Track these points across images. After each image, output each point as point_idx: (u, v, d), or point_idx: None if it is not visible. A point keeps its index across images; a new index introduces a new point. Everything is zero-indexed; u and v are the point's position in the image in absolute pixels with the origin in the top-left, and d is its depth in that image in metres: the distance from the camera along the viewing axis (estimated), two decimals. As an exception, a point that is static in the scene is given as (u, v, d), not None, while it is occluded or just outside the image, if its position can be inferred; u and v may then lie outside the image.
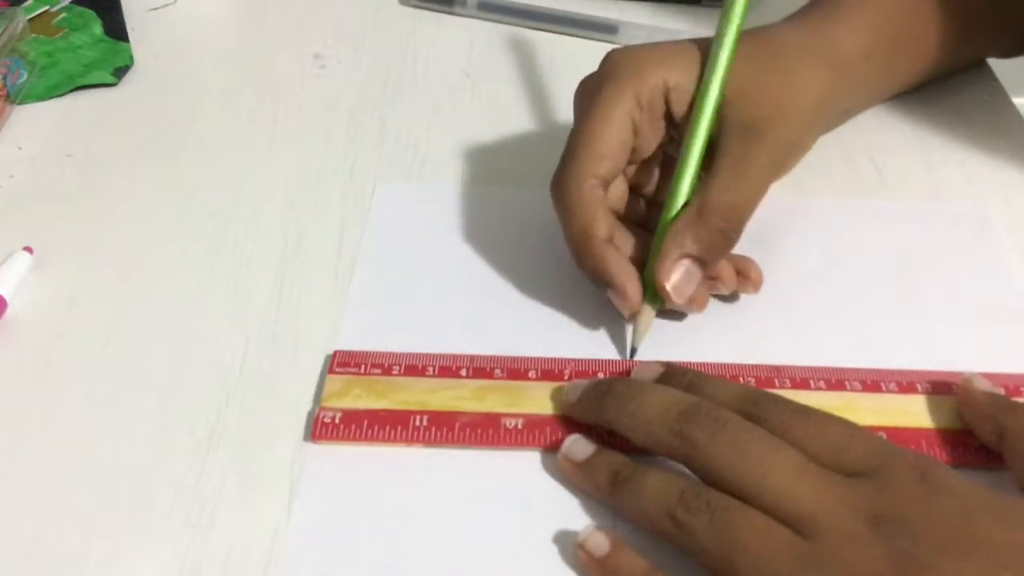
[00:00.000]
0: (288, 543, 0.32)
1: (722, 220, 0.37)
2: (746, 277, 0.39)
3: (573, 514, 0.33)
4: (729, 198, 0.37)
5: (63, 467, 0.35)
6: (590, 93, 0.40)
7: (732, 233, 0.37)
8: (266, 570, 0.31)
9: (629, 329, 0.39)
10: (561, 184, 0.39)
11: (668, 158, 0.41)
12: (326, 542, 0.32)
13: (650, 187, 0.42)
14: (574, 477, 0.33)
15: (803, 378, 0.36)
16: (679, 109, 0.40)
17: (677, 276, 0.37)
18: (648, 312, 0.38)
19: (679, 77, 0.39)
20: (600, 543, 0.30)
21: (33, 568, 0.32)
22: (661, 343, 0.38)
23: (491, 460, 0.34)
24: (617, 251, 0.38)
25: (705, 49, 0.40)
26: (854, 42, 0.43)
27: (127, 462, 0.35)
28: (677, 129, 0.40)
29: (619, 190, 0.41)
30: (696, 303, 0.38)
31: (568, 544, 0.32)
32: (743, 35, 0.40)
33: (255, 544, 0.32)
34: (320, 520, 0.33)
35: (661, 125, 0.40)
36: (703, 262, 0.37)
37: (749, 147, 0.38)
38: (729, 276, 0.39)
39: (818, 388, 0.36)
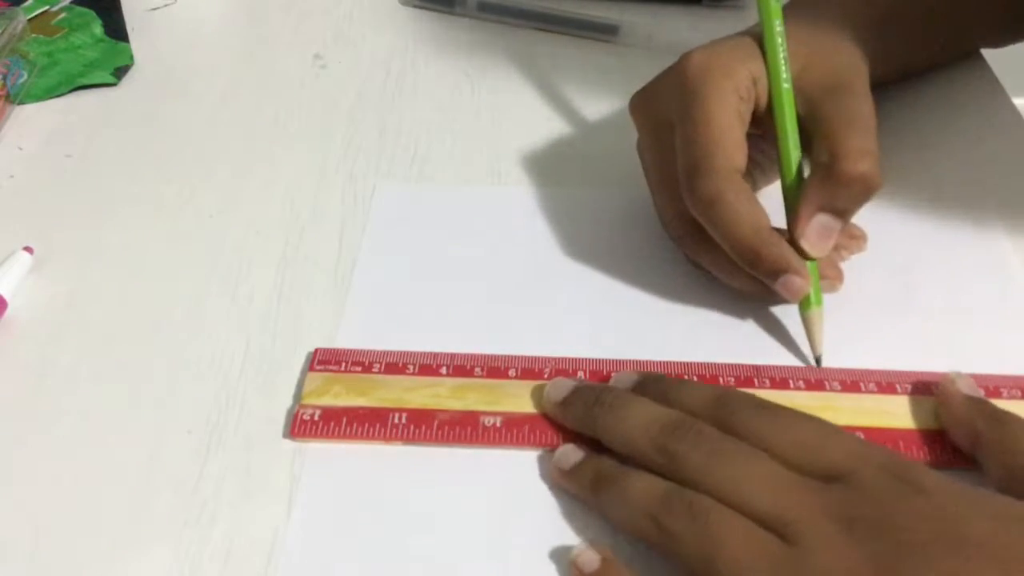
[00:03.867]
0: (288, 543, 0.32)
1: (862, 165, 0.36)
2: (854, 237, 0.40)
3: (574, 517, 0.33)
4: (859, 143, 0.36)
5: (63, 467, 0.35)
6: (685, 97, 0.38)
7: (875, 178, 0.36)
8: (266, 570, 0.31)
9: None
10: (711, 188, 0.37)
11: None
12: (326, 542, 0.32)
13: None
14: (562, 481, 0.33)
15: (783, 378, 0.36)
16: (763, 100, 0.39)
17: (813, 231, 0.37)
18: (819, 314, 0.38)
19: (758, 67, 0.39)
20: (590, 560, 0.30)
21: (33, 568, 0.32)
22: (640, 344, 0.38)
23: (493, 460, 0.34)
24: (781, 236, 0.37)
25: (758, 39, 0.40)
26: (865, 15, 0.43)
27: (127, 462, 0.35)
28: (756, 123, 0.40)
29: None
30: (834, 278, 0.39)
31: (564, 544, 0.32)
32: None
33: (255, 544, 0.32)
34: (320, 520, 0.33)
35: (749, 120, 0.40)
36: (840, 213, 0.37)
37: (848, 103, 0.38)
38: (850, 238, 0.40)
39: (797, 388, 0.36)
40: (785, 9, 0.41)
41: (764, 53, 0.39)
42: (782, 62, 0.39)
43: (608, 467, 0.32)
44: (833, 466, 0.30)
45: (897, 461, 0.30)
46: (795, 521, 0.29)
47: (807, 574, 0.28)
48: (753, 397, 0.33)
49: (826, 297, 0.39)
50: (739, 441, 0.31)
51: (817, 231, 0.37)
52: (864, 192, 0.37)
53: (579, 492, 0.33)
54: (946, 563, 0.27)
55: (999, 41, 0.53)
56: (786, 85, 0.39)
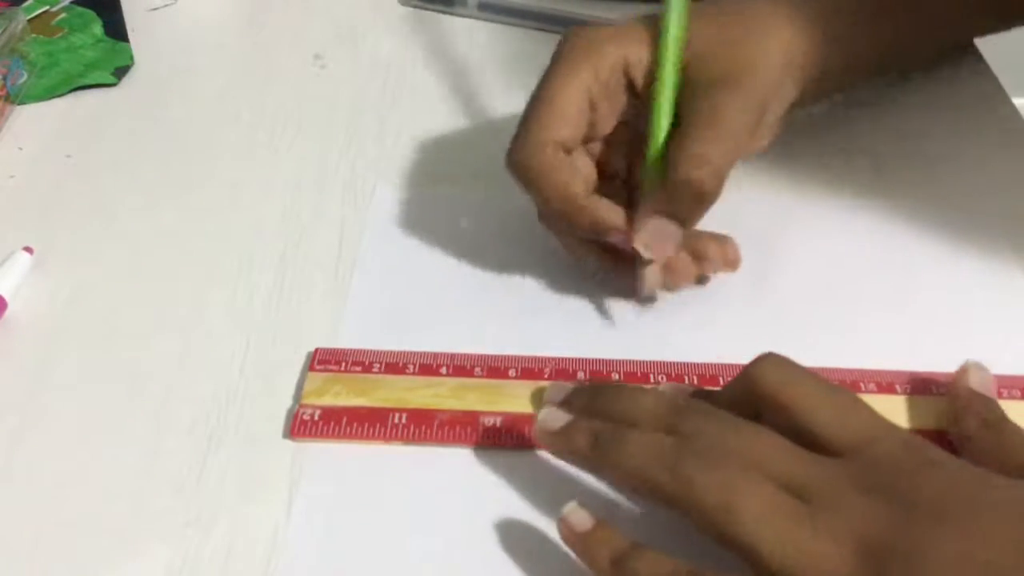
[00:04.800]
0: (288, 543, 0.32)
1: (694, 171, 0.36)
2: (727, 261, 0.39)
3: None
4: (700, 149, 0.36)
5: (63, 467, 0.35)
6: (546, 70, 0.39)
7: (706, 186, 0.36)
8: (266, 570, 0.31)
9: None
10: (522, 154, 0.38)
11: (636, 135, 0.41)
12: (326, 542, 0.32)
13: (622, 166, 0.41)
14: (552, 443, 0.32)
15: None
16: (641, 81, 0.39)
17: (646, 232, 0.36)
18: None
19: (637, 51, 0.38)
20: (583, 519, 0.30)
21: (33, 568, 0.32)
22: (641, 345, 0.38)
23: (493, 460, 0.34)
24: (602, 198, 0.37)
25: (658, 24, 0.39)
26: None
27: (127, 462, 0.35)
28: (641, 100, 0.39)
29: (586, 167, 0.40)
30: (678, 276, 0.39)
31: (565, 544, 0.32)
32: (705, 3, 0.39)
33: (255, 544, 0.32)
34: (320, 520, 0.33)
35: (621, 100, 0.39)
36: (677, 218, 0.36)
37: (719, 101, 0.37)
38: (716, 254, 0.39)
39: None
40: None
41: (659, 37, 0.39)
42: (670, 53, 0.38)
43: (604, 426, 0.31)
44: (857, 435, 0.30)
45: (913, 437, 0.31)
46: (813, 486, 0.29)
47: (823, 530, 0.28)
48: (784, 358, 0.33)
49: (830, 301, 0.39)
50: (750, 422, 0.31)
51: (651, 233, 0.36)
52: (695, 200, 0.36)
53: (573, 451, 0.32)
54: (960, 520, 0.27)
55: (1006, 25, 0.50)
56: (669, 76, 0.38)
